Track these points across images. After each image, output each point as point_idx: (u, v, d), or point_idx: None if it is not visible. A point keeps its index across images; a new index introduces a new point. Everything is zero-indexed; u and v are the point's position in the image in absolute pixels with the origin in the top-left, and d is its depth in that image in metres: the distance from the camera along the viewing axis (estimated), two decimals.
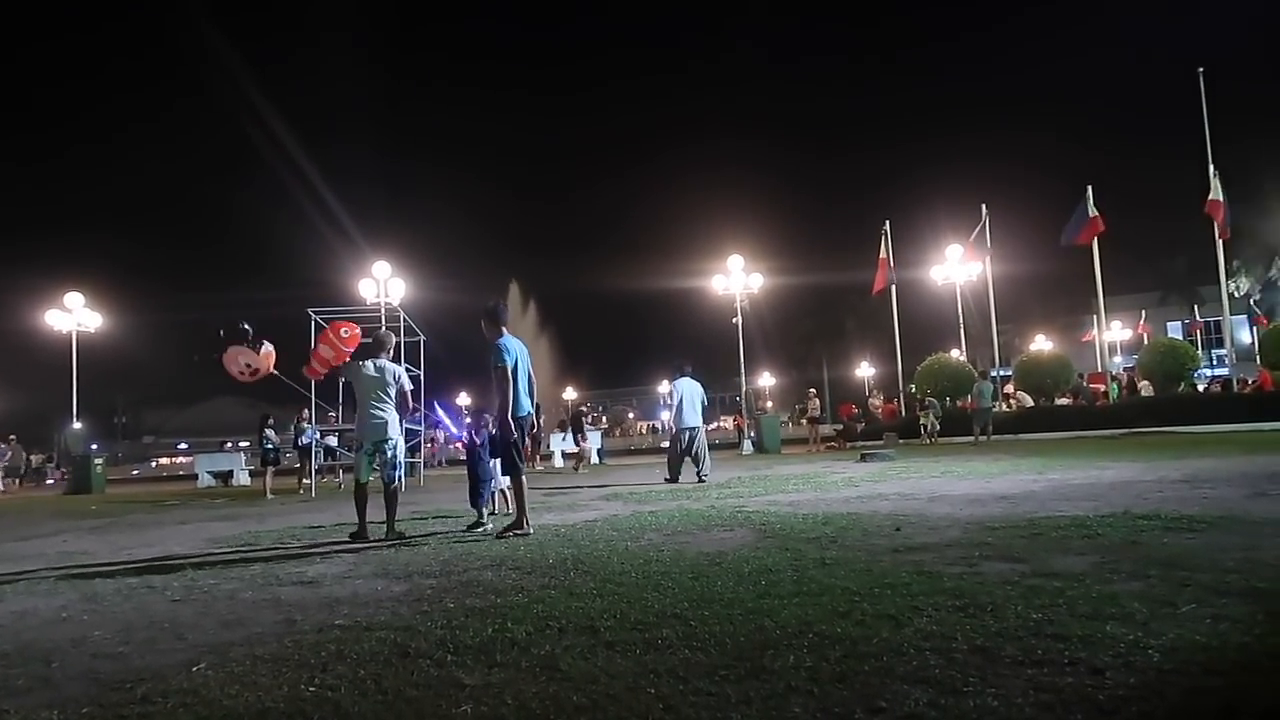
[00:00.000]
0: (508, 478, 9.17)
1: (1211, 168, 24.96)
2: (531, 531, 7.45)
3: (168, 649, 3.90)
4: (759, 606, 3.98)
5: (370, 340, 8.37)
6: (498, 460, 9.14)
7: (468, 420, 9.92)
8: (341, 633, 3.97)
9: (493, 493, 9.21)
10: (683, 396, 13.92)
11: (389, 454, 7.89)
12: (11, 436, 32.02)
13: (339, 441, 20.75)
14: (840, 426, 30.75)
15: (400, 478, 8.21)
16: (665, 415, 17.04)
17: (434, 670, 3.25)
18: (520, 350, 7.80)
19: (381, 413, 7.88)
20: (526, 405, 7.85)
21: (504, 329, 7.80)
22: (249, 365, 11.99)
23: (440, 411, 9.93)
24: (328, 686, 3.11)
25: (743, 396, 32.84)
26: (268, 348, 13.87)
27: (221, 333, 12.08)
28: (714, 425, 53.92)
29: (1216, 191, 24.91)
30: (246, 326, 11.93)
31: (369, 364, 8.01)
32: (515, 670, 3.19)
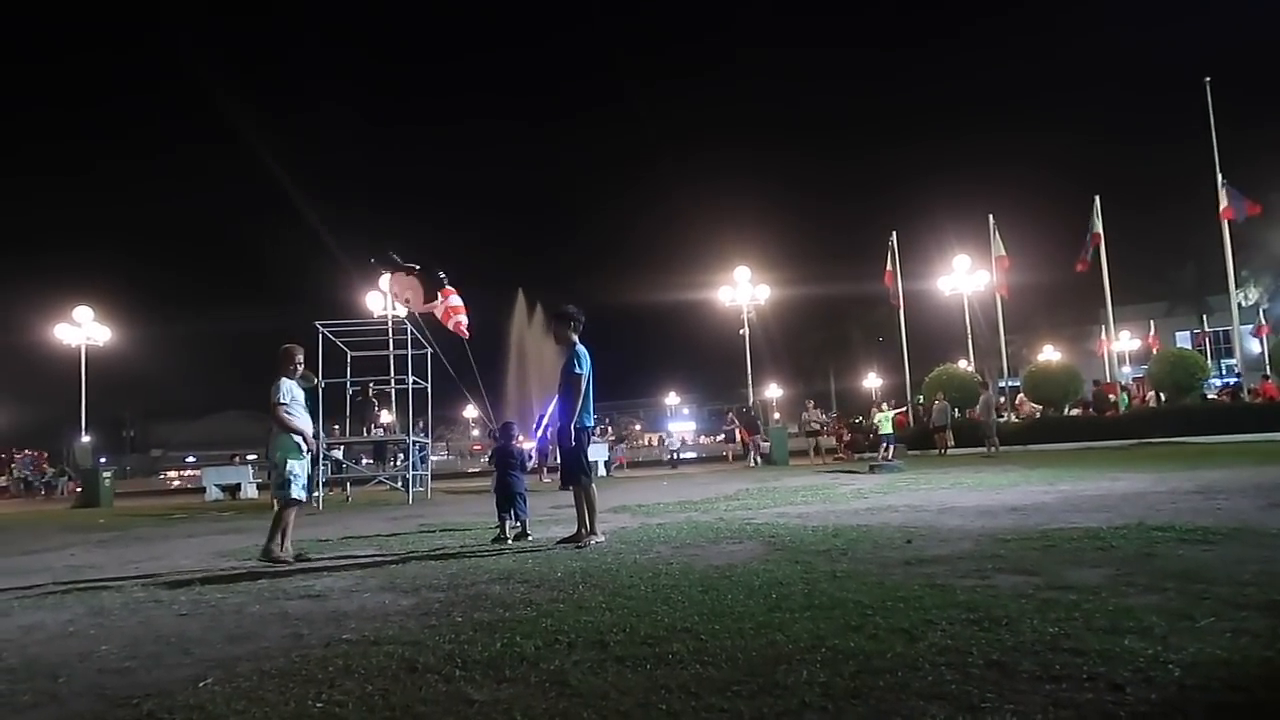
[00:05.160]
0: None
1: (1220, 177, 24.90)
2: (603, 539, 7.44)
3: (174, 664, 3.87)
4: (770, 620, 3.93)
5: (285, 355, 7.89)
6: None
7: (522, 439, 9.76)
8: (349, 647, 3.93)
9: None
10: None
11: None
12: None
13: (345, 454, 20.77)
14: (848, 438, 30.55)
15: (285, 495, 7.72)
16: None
17: (442, 685, 3.21)
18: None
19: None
20: (590, 417, 7.87)
21: (576, 336, 7.82)
22: (409, 299, 12.75)
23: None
24: (335, 702, 3.07)
25: (750, 408, 32.74)
26: (453, 301, 14.58)
27: (373, 260, 12.85)
28: (720, 436, 53.74)
29: (1225, 200, 24.85)
30: (395, 257, 12.51)
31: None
32: (524, 685, 3.15)
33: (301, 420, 7.74)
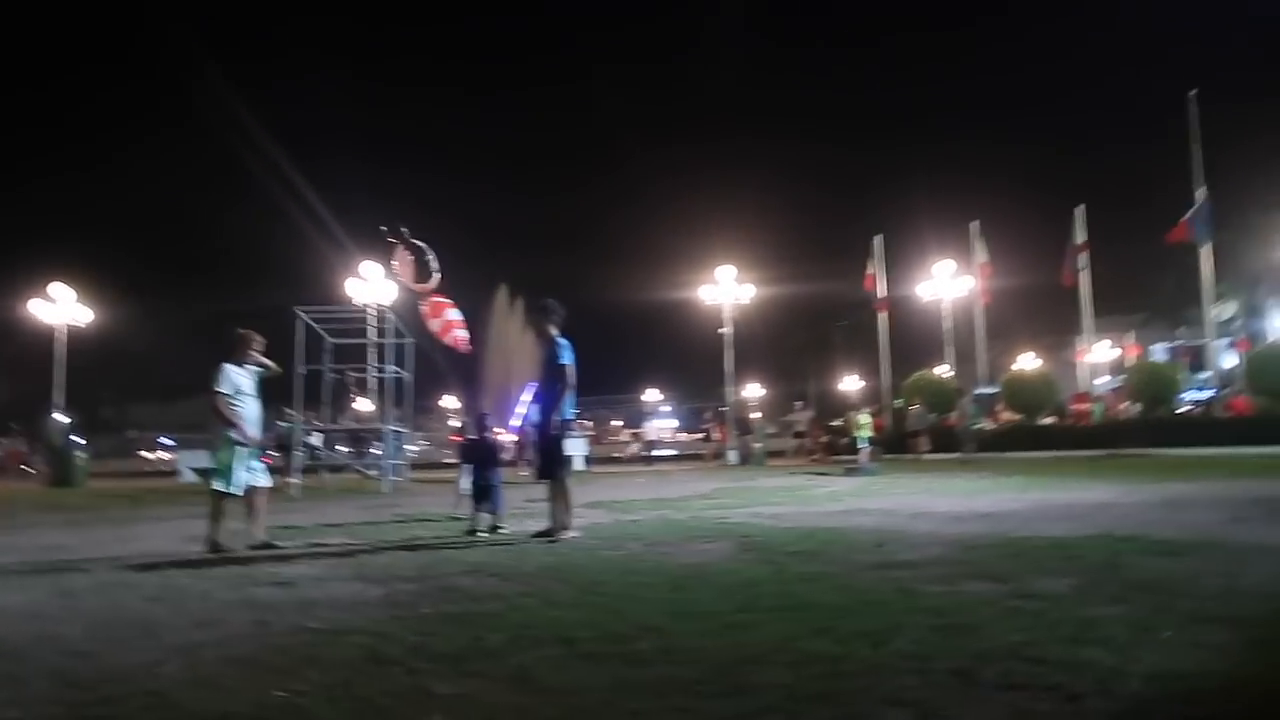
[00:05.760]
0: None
1: (1201, 189, 25.14)
2: (577, 534, 7.42)
3: (138, 648, 3.83)
4: (739, 620, 3.94)
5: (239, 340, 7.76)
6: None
7: (500, 431, 9.90)
8: (314, 636, 3.92)
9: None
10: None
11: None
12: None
13: (323, 441, 20.64)
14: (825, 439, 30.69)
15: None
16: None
17: (406, 678, 3.20)
18: None
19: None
20: (571, 410, 7.86)
21: (555, 330, 7.80)
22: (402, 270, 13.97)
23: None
24: (296, 692, 3.05)
25: (729, 407, 32.83)
26: (451, 315, 15.79)
27: (384, 230, 13.93)
28: (701, 434, 53.78)
29: (1192, 212, 25.10)
30: (404, 230, 13.52)
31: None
32: (488, 680, 3.14)
33: (244, 411, 7.48)
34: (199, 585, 5.50)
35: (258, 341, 7.80)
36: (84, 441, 25.08)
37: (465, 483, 9.41)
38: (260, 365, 7.87)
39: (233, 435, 7.37)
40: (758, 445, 26.64)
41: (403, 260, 14.58)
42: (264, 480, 7.77)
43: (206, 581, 5.63)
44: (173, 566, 6.33)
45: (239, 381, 7.54)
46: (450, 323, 17.47)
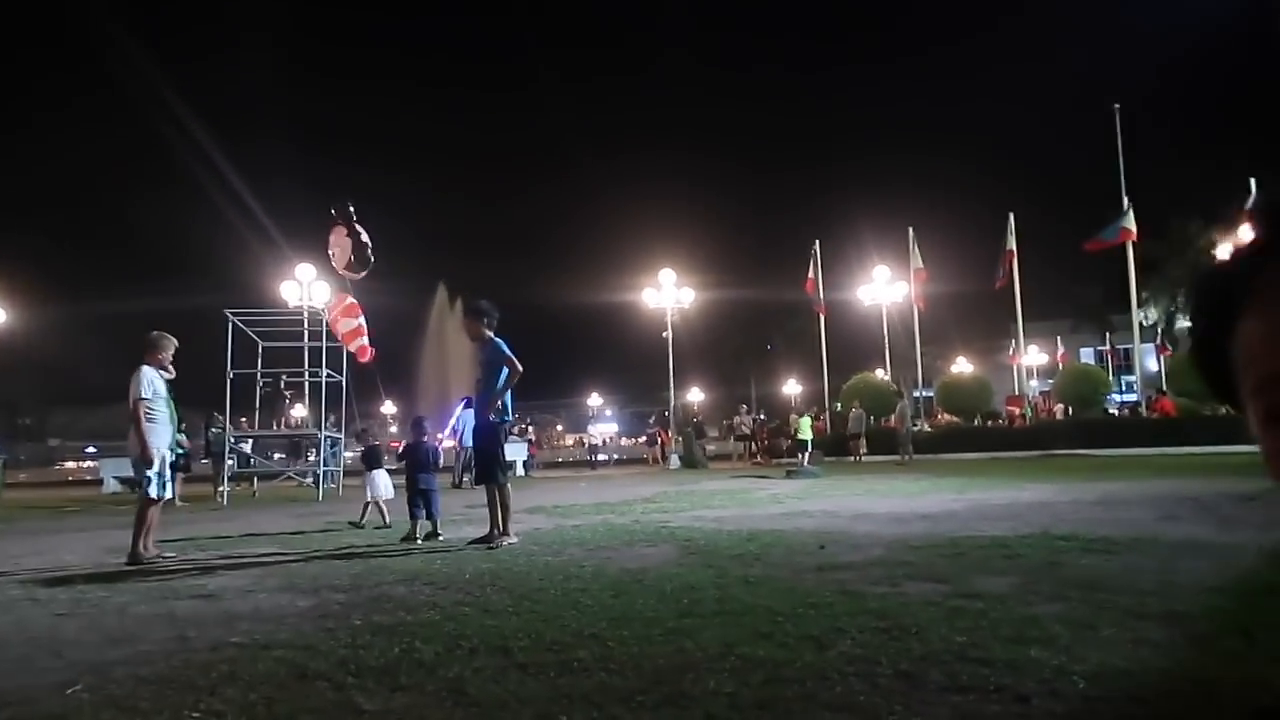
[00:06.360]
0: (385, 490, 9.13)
1: (1125, 200, 25.85)
2: (516, 540, 7.25)
3: (44, 668, 3.61)
4: (680, 626, 3.85)
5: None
6: (379, 470, 9.05)
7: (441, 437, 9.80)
8: (237, 651, 3.72)
9: (370, 503, 9.39)
10: (465, 423, 16.57)
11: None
12: None
13: (254, 447, 20.10)
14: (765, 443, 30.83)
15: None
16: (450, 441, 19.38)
17: (332, 694, 3.04)
18: None
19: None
20: (509, 414, 7.72)
21: (490, 332, 7.66)
22: (336, 255, 13.34)
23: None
24: (213, 711, 2.88)
25: (671, 411, 32.79)
26: (358, 321, 15.12)
27: (334, 210, 13.27)
28: (642, 438, 53.88)
29: (1126, 221, 25.85)
30: (352, 210, 12.98)
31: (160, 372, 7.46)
32: (419, 694, 3.00)
33: (159, 419, 7.28)
34: (115, 600, 5.23)
35: (171, 344, 7.58)
36: None
37: (371, 489, 9.34)
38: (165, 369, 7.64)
39: (151, 442, 7.15)
40: (710, 448, 26.78)
41: (340, 241, 13.88)
42: (167, 493, 7.51)
43: (123, 595, 5.37)
44: (88, 580, 6.03)
45: (157, 385, 7.34)
46: (354, 330, 17.02)
